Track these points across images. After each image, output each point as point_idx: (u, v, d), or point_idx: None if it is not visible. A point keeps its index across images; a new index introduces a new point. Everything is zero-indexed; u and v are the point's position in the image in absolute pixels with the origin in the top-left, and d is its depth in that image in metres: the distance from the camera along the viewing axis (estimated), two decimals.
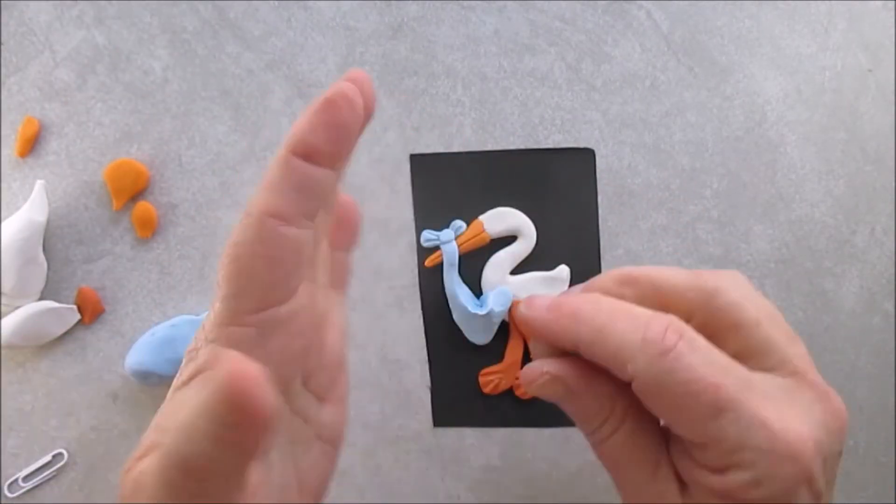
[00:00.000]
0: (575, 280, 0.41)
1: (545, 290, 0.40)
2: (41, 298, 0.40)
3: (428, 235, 0.40)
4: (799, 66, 0.42)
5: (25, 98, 0.42)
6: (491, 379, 0.40)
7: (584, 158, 0.41)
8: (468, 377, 0.41)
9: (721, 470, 0.23)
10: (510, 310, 0.40)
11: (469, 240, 0.40)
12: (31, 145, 0.41)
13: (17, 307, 0.39)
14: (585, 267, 0.41)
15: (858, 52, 0.42)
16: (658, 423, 0.25)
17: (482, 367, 0.41)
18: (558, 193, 0.41)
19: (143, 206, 0.41)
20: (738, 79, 0.42)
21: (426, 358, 0.41)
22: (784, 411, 0.23)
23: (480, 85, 0.42)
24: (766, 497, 0.22)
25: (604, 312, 0.24)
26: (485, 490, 0.40)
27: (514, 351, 0.40)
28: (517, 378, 0.40)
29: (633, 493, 0.25)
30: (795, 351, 0.24)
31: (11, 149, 0.42)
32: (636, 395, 0.24)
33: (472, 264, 0.41)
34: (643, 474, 0.25)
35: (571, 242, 0.41)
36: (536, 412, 0.41)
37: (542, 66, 0.42)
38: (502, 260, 0.40)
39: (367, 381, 0.41)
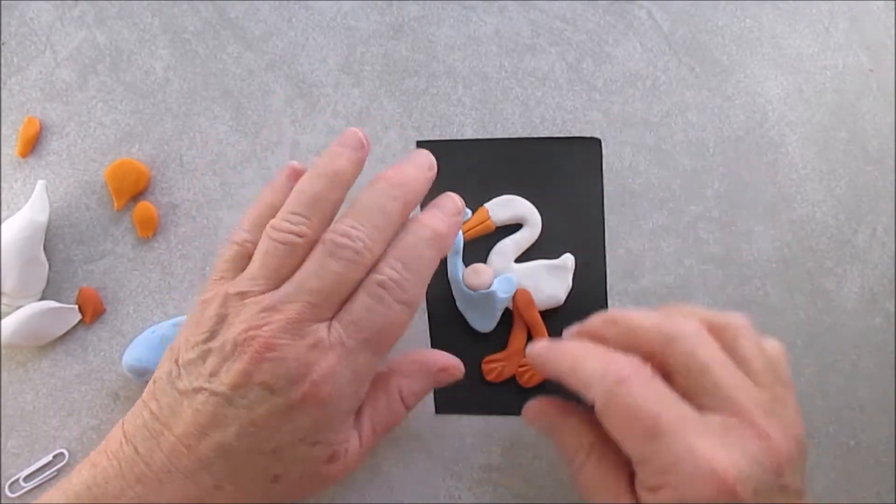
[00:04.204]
0: (579, 268, 0.41)
1: (550, 279, 0.40)
2: (42, 298, 0.41)
3: None
4: (800, 65, 0.42)
5: (26, 98, 0.42)
6: (494, 367, 0.40)
7: (590, 147, 0.41)
8: (471, 365, 0.41)
9: (655, 488, 0.27)
10: (514, 297, 0.40)
11: (474, 227, 0.40)
12: (33, 145, 0.42)
13: (18, 307, 0.39)
14: (590, 256, 0.41)
15: (860, 52, 0.42)
16: (622, 456, 0.29)
17: (485, 355, 0.41)
18: (564, 182, 0.41)
19: (144, 206, 0.41)
20: (739, 79, 0.42)
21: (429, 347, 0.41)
22: (714, 443, 0.27)
23: (481, 85, 0.42)
24: None
25: (581, 350, 0.31)
26: (485, 490, 0.40)
27: (517, 339, 0.40)
28: (520, 366, 0.40)
29: None
30: (743, 394, 0.28)
31: (12, 149, 0.42)
32: (604, 433, 0.30)
33: (477, 252, 0.41)
34: (608, 497, 0.30)
35: (576, 231, 0.41)
36: None
37: (542, 66, 0.42)
38: (507, 248, 0.40)
39: None
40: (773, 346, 0.32)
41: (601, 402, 0.28)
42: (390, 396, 0.35)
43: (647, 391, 0.28)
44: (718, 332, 0.31)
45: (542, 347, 0.33)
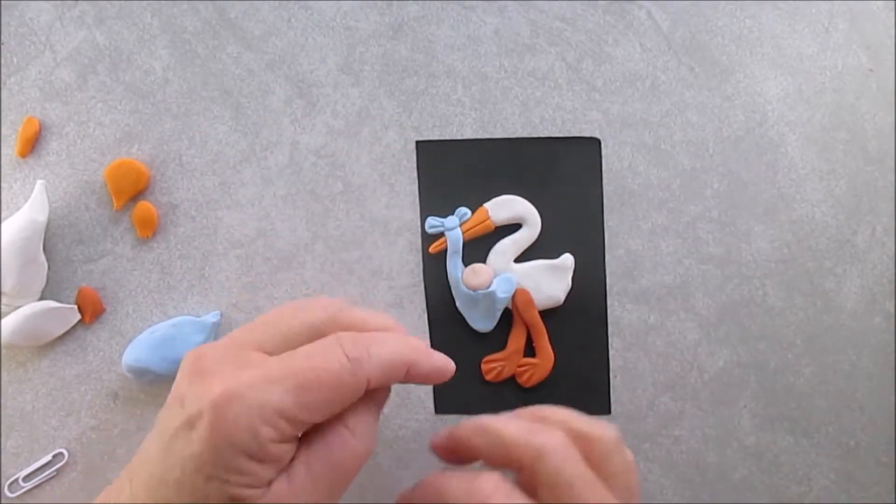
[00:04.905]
0: (579, 268, 0.41)
1: (549, 278, 0.40)
2: (42, 298, 0.41)
3: (433, 222, 0.41)
4: (800, 65, 0.42)
5: (26, 98, 0.42)
6: (493, 367, 0.40)
7: (590, 148, 0.41)
8: (471, 364, 0.41)
9: None
10: (513, 297, 0.40)
11: (474, 227, 0.40)
12: (32, 145, 0.42)
13: (18, 307, 0.39)
14: (589, 255, 0.41)
15: (859, 52, 0.42)
16: None
17: (485, 355, 0.41)
18: (564, 182, 0.41)
19: (143, 205, 0.41)
20: (738, 79, 0.42)
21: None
22: None
23: (481, 85, 0.42)
24: None
25: (441, 476, 0.30)
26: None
27: (516, 339, 0.40)
28: (520, 366, 0.40)
29: None
30: None
31: (12, 149, 0.42)
32: None
33: (477, 252, 0.41)
34: None
35: (576, 231, 0.41)
36: (538, 400, 0.40)
37: (542, 66, 0.42)
38: (507, 247, 0.40)
39: None
40: (629, 457, 0.32)
41: None
42: (328, 429, 0.29)
43: None
44: (587, 445, 0.30)
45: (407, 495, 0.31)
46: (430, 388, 0.41)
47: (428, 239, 0.41)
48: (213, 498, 0.27)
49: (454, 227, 0.40)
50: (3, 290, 0.39)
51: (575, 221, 0.41)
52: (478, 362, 0.41)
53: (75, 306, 0.40)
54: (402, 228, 0.41)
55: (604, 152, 0.41)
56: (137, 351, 0.39)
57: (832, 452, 0.41)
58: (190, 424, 0.27)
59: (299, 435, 0.28)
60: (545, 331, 0.40)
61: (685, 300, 0.41)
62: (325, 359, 0.28)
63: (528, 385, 0.40)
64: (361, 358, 0.29)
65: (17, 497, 0.40)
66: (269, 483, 0.28)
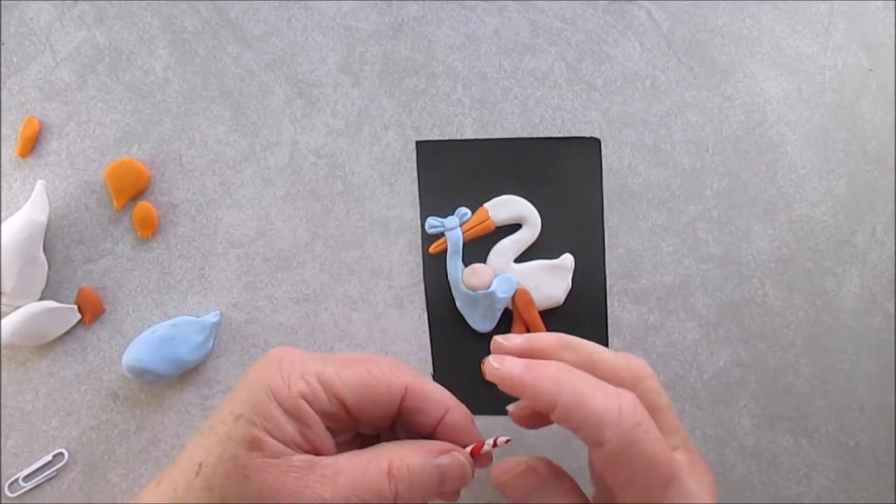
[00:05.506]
0: (579, 268, 0.41)
1: (549, 278, 0.40)
2: (42, 298, 0.41)
3: (433, 222, 0.41)
4: (800, 65, 0.42)
5: (26, 98, 0.42)
6: None
7: (590, 147, 0.41)
8: (470, 364, 0.41)
9: None
10: (513, 297, 0.40)
11: (474, 227, 0.40)
12: (32, 145, 0.42)
13: (18, 307, 0.39)
14: (589, 256, 0.41)
15: (859, 52, 0.42)
16: None
17: (485, 355, 0.41)
18: (564, 182, 0.41)
19: (143, 205, 0.41)
20: (738, 78, 0.42)
21: (428, 352, 0.41)
22: (696, 483, 0.28)
23: (481, 85, 0.42)
24: None
25: (581, 380, 0.28)
26: (485, 490, 0.40)
27: None
28: None
29: None
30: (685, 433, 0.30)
31: (12, 149, 0.42)
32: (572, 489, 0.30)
33: (477, 252, 0.41)
34: None
35: (576, 231, 0.41)
36: None
37: (542, 66, 0.42)
38: (507, 248, 0.40)
39: None
40: None
41: (617, 447, 0.26)
42: (372, 460, 0.29)
43: (656, 435, 0.26)
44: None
45: (517, 368, 0.28)
46: None
47: (428, 239, 0.41)
48: (237, 435, 0.28)
49: (454, 227, 0.40)
50: (3, 290, 0.39)
51: (575, 221, 0.41)
52: (478, 362, 0.41)
53: (75, 306, 0.40)
54: (402, 228, 0.41)
55: (604, 152, 0.41)
56: (137, 351, 0.39)
57: (832, 452, 0.41)
58: (242, 380, 0.29)
59: (332, 428, 0.29)
60: (545, 331, 0.40)
61: (685, 300, 0.41)
62: (374, 359, 0.31)
63: None
64: (404, 367, 0.31)
65: (17, 497, 0.40)
66: (299, 446, 0.28)
